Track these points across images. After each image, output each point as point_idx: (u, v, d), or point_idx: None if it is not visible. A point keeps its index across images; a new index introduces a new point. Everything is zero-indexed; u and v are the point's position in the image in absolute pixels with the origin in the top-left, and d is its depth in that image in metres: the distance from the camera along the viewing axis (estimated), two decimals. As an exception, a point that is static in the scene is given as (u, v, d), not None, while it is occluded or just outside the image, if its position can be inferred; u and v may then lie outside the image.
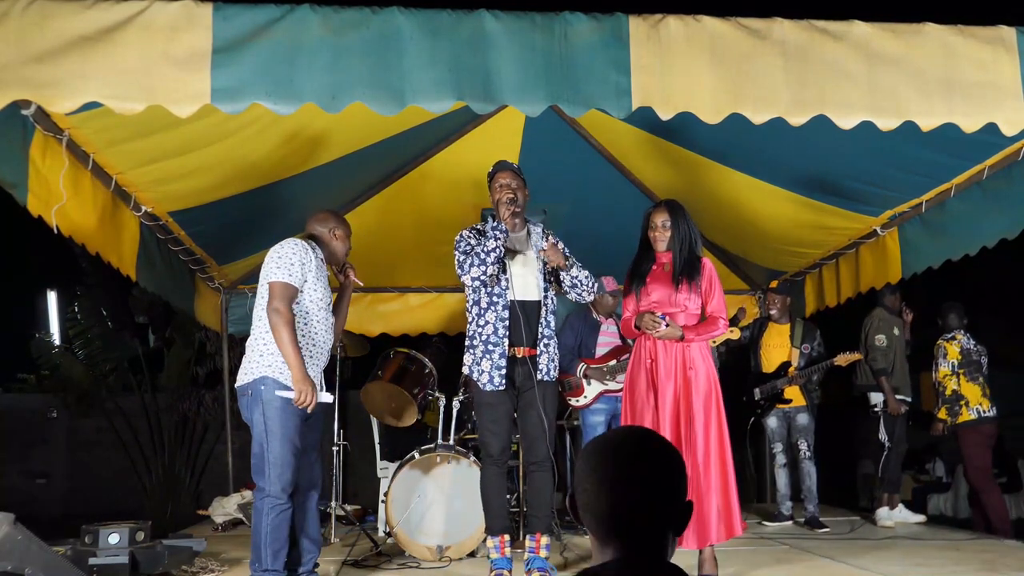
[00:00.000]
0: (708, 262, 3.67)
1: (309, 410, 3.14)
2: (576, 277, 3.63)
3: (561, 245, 3.68)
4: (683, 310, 3.55)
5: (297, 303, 3.22)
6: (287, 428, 3.12)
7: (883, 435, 5.46)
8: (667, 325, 3.48)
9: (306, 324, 3.25)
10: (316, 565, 3.41)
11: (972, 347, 5.43)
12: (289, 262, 3.19)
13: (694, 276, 3.57)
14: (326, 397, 3.26)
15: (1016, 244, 3.91)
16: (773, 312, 5.60)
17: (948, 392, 5.38)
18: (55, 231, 3.23)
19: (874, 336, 5.40)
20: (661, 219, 3.61)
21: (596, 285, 3.73)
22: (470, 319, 3.64)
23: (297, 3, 2.62)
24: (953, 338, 5.43)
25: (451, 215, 5.02)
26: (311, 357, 3.26)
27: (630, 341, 4.00)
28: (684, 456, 3.43)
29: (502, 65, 2.65)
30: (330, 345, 3.40)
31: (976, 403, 5.31)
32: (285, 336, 3.10)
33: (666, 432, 3.45)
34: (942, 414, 5.41)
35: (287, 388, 3.11)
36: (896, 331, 5.47)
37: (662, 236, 3.61)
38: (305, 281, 3.23)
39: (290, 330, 3.10)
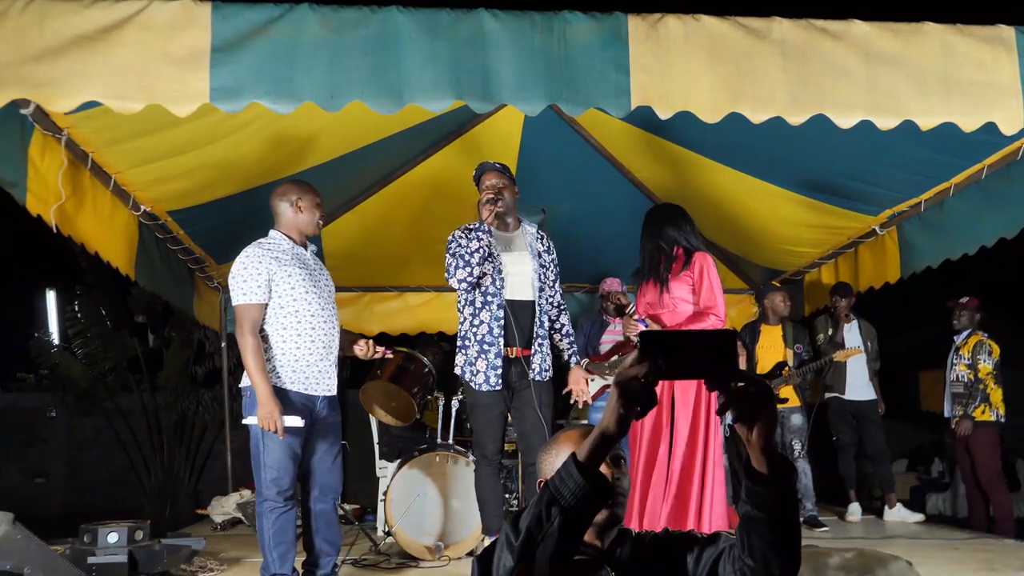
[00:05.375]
0: (702, 256, 3.68)
1: (280, 435, 3.02)
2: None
3: (552, 255, 3.74)
4: (670, 310, 3.61)
5: (280, 307, 3.15)
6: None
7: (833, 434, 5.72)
8: (646, 327, 3.53)
9: (298, 322, 3.17)
10: (336, 566, 3.37)
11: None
12: (243, 279, 3.11)
13: (678, 274, 3.64)
14: (292, 421, 3.07)
15: (1016, 243, 3.91)
16: (780, 309, 5.59)
17: (989, 390, 5.25)
18: (54, 230, 3.23)
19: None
20: None
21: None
22: (462, 319, 3.63)
23: (296, 2, 2.62)
24: (992, 336, 5.34)
25: (450, 214, 5.01)
26: (311, 353, 3.19)
27: (634, 339, 4.08)
28: (671, 455, 3.49)
29: (501, 64, 2.65)
30: (334, 335, 3.29)
31: (996, 406, 5.29)
32: (249, 363, 3.05)
33: (662, 431, 3.50)
34: (980, 414, 5.28)
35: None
36: (829, 331, 5.68)
37: None
38: (272, 285, 3.14)
39: (255, 356, 3.04)
